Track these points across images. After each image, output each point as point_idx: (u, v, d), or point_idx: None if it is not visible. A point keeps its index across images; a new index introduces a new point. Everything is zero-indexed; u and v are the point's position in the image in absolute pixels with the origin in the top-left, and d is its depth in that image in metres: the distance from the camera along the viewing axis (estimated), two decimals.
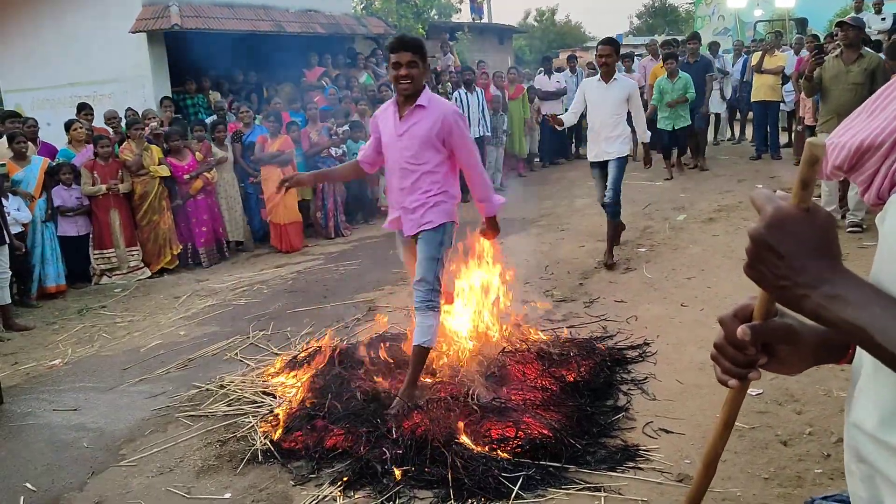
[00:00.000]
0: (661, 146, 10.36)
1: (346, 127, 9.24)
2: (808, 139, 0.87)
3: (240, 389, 4.37)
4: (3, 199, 6.36)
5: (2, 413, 4.48)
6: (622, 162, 6.32)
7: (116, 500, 3.31)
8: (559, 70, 13.75)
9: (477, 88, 10.47)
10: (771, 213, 0.88)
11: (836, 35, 6.94)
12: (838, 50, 6.82)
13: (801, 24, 17.26)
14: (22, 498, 3.41)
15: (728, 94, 12.99)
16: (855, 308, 0.84)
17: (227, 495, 3.27)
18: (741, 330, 1.00)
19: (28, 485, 3.52)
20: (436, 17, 18.20)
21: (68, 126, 8.06)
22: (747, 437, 3.35)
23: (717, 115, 13.41)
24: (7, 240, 6.16)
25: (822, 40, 9.95)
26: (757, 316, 1.01)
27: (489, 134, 10.66)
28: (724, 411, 1.12)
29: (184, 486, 3.38)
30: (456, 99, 10.27)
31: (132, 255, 7.77)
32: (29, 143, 7.44)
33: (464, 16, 22.66)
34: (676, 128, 10.27)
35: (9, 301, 6.30)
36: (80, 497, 3.39)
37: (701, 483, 1.21)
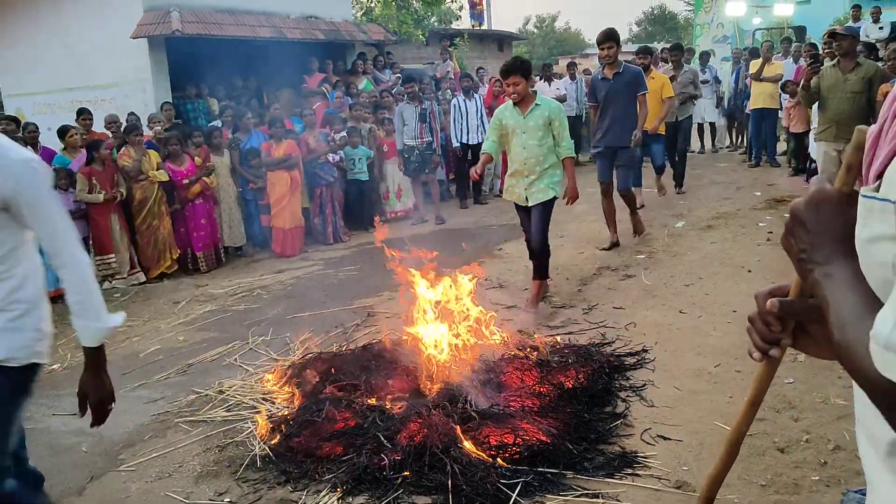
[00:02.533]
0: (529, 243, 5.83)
1: (343, 133, 9.28)
2: (858, 126, 0.93)
3: (239, 395, 4.38)
4: None
5: None
6: None
7: None
8: (559, 77, 13.81)
9: (475, 95, 10.50)
10: (812, 192, 0.97)
11: (832, 45, 6.96)
12: (835, 59, 6.86)
13: (800, 32, 17.33)
14: None
15: (726, 102, 13.16)
16: (835, 289, 0.91)
17: (226, 501, 3.28)
18: (770, 302, 1.06)
19: None
20: (436, 23, 18.25)
21: (63, 132, 8.07)
22: (744, 443, 3.33)
23: (713, 125, 13.59)
24: None
25: (819, 49, 9.99)
26: (793, 294, 1.07)
27: None
28: (751, 390, 1.18)
29: (183, 491, 3.39)
30: (455, 106, 10.31)
31: (129, 260, 7.79)
32: (29, 147, 7.46)
33: (464, 22, 22.71)
34: (532, 202, 5.56)
35: None
36: (80, 501, 3.40)
37: (725, 463, 1.24)
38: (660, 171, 9.46)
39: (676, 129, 9.64)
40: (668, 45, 12.25)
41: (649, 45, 9.54)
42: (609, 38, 6.85)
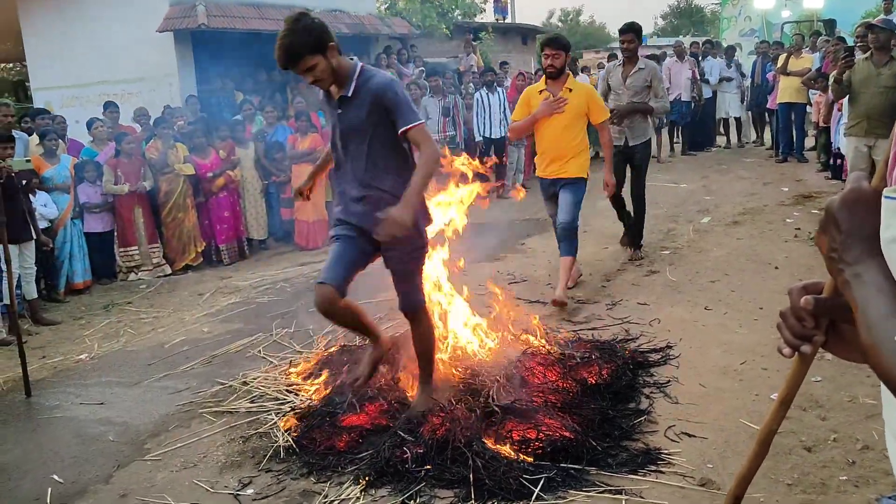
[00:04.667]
0: None
1: None
2: None
3: (263, 386, 4.41)
4: (30, 196, 6.46)
5: (30, 406, 4.56)
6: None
7: (141, 493, 3.36)
8: (584, 70, 13.75)
9: (498, 89, 10.46)
10: (847, 190, 0.95)
11: (866, 37, 6.81)
12: (868, 52, 6.72)
13: (830, 25, 17.04)
14: (49, 489, 3.46)
15: (747, 96, 13.06)
16: (863, 290, 0.90)
17: (250, 491, 3.30)
18: (805, 299, 1.05)
19: (55, 477, 3.58)
20: (460, 17, 18.18)
21: (90, 125, 8.19)
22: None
23: (738, 119, 13.47)
24: (34, 235, 6.27)
25: (850, 42, 9.81)
26: (827, 291, 1.05)
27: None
28: (782, 388, 1.16)
29: (207, 480, 3.42)
30: (477, 100, 10.28)
31: (154, 252, 7.87)
32: (59, 140, 7.57)
33: (488, 16, 22.60)
34: None
35: (36, 296, 6.40)
36: (106, 490, 3.44)
37: (754, 462, 1.23)
38: (567, 246, 5.59)
39: (628, 160, 6.35)
40: (696, 39, 11.79)
41: (559, 34, 6.63)
42: (291, 55, 3.34)
